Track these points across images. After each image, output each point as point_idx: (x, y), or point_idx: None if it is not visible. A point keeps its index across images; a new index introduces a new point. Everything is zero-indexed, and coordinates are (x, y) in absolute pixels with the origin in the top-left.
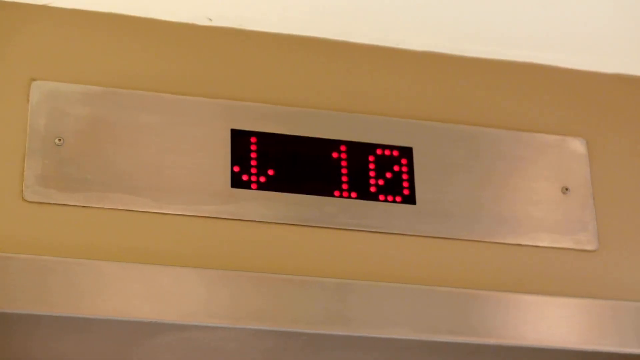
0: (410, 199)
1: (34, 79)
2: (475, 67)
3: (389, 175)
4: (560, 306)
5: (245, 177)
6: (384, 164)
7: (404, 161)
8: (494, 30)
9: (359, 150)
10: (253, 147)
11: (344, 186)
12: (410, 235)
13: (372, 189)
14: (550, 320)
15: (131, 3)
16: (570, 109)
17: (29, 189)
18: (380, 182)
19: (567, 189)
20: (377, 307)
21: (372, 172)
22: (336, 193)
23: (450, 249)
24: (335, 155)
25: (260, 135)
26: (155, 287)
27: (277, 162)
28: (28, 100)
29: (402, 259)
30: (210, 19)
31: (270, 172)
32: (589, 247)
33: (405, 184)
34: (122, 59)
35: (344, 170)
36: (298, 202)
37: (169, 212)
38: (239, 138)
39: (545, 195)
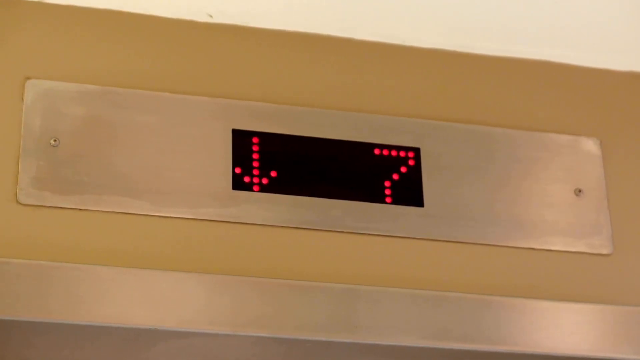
0: (418, 202)
1: (28, 78)
2: (484, 65)
3: (395, 176)
4: (573, 312)
5: (247, 179)
6: (390, 165)
7: (411, 162)
8: (504, 26)
9: (365, 151)
10: (255, 148)
11: (350, 188)
12: (419, 238)
13: (379, 191)
14: (563, 326)
15: None
16: (583, 108)
17: (23, 192)
18: (387, 183)
19: (580, 191)
20: (385, 314)
21: (378, 173)
22: (341, 195)
23: (459, 253)
24: (340, 156)
25: (262, 135)
26: (154, 292)
27: (280, 163)
28: (22, 100)
29: (410, 263)
30: (211, 16)
31: (273, 173)
32: (603, 251)
33: (412, 186)
34: (119, 57)
35: (349, 172)
36: (302, 204)
37: (168, 215)
38: (241, 138)
39: (557, 198)
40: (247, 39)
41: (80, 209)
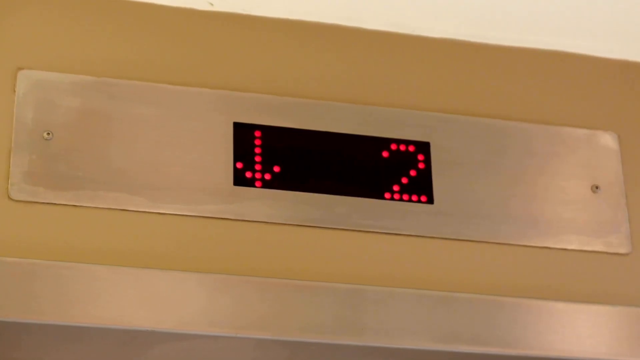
0: (427, 198)
1: (20, 68)
2: (498, 56)
3: (404, 172)
4: (590, 314)
5: (249, 174)
6: (399, 160)
7: (420, 157)
8: (518, 15)
9: (372, 145)
10: (257, 142)
11: (356, 184)
12: (428, 237)
13: (386, 187)
14: (579, 329)
15: None
16: (600, 101)
17: (15, 187)
18: (395, 179)
19: (597, 187)
20: (393, 315)
21: (386, 168)
22: (347, 191)
23: (471, 252)
24: (346, 150)
25: (265, 128)
26: (152, 292)
27: (284, 157)
28: (14, 91)
29: (419, 263)
30: (212, 4)
31: (276, 168)
32: (621, 250)
33: (422, 182)
34: (115, 47)
35: (355, 167)
36: (306, 201)
37: (167, 212)
38: (242, 132)
39: (573, 194)
40: (249, 28)
41: (74, 206)
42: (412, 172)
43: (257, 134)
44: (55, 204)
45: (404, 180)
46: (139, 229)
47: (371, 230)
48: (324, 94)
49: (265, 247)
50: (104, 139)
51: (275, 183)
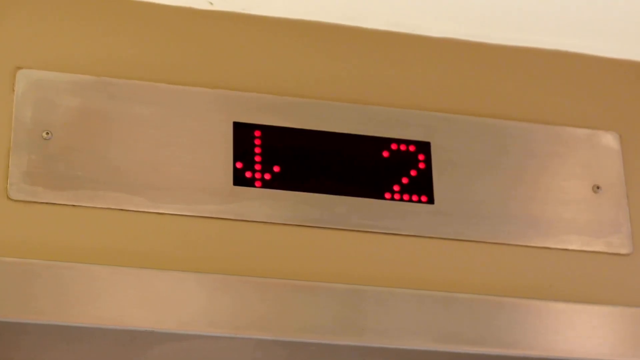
0: (428, 198)
1: (19, 68)
2: (498, 55)
3: (404, 172)
4: (591, 314)
5: (248, 174)
6: (399, 160)
7: (421, 157)
8: (519, 14)
9: (372, 145)
10: (257, 142)
11: (356, 184)
12: (429, 237)
13: (387, 187)
14: (580, 329)
15: None
16: (601, 101)
17: (14, 187)
18: (395, 179)
19: (598, 188)
20: (393, 315)
21: (386, 168)
22: (347, 191)
23: (471, 252)
24: (346, 150)
25: (265, 128)
26: (151, 292)
27: (283, 157)
28: (13, 91)
29: (419, 263)
30: (211, 3)
31: (276, 168)
32: (622, 251)
33: (422, 182)
34: (115, 46)
35: (356, 167)
36: (306, 201)
37: (166, 212)
38: (242, 131)
39: (574, 195)
40: (249, 27)
41: (74, 205)
42: (413, 172)
43: (257, 133)
44: (54, 203)
45: (405, 180)
46: (139, 229)
47: (371, 230)
48: (324, 94)
49: (265, 247)
50: (103, 138)
51: (275, 183)
